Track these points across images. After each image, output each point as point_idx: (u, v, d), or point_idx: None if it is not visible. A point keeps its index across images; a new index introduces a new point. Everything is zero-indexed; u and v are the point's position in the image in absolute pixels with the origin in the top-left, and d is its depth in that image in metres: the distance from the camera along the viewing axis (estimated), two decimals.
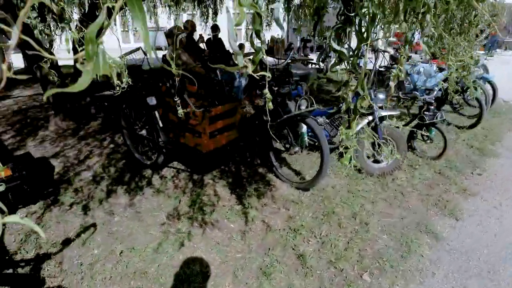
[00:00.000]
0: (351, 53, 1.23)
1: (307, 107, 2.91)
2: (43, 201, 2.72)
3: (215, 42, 6.71)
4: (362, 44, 1.18)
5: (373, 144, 3.20)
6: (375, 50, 3.36)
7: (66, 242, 2.33)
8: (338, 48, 1.16)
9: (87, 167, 3.33)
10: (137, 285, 2.02)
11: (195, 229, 2.47)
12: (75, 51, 2.58)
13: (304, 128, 2.92)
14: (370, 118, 3.07)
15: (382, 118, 3.08)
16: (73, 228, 2.46)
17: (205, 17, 8.22)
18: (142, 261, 2.18)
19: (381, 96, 3.60)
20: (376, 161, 3.31)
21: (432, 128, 3.54)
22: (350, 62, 1.22)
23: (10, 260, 2.18)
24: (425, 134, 3.59)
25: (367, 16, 1.09)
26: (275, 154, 3.21)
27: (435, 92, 4.37)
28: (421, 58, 5.31)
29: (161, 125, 2.82)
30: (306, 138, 3.05)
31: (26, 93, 6.08)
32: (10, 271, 2.10)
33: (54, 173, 3.15)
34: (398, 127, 2.73)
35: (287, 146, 3.13)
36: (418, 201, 2.87)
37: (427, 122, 3.46)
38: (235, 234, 2.44)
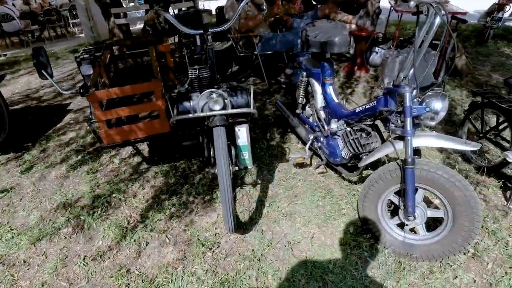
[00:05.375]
0: None
1: (224, 107, 1.66)
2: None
3: None
4: None
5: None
6: None
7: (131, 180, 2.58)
8: None
9: None
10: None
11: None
12: None
13: (239, 136, 1.79)
14: (400, 145, 1.60)
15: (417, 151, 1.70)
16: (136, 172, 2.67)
17: None
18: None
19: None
20: (401, 227, 1.78)
21: None
22: None
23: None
24: None
25: None
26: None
27: None
28: None
29: None
30: (245, 155, 1.87)
31: None
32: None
33: None
34: None
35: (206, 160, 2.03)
36: None
37: None
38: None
